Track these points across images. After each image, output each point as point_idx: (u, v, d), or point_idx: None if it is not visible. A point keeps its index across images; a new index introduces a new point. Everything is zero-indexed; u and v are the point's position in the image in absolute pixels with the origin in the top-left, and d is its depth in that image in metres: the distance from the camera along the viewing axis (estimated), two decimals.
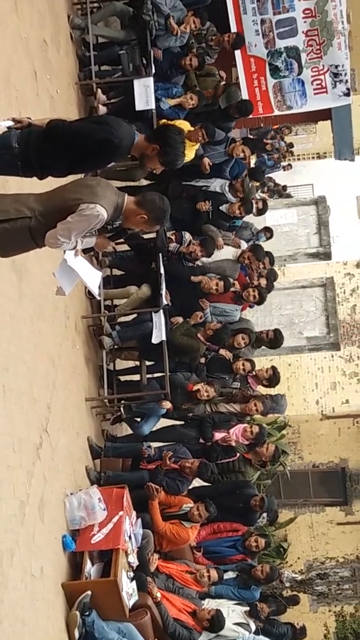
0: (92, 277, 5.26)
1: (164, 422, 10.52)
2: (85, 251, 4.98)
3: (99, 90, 10.73)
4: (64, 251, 4.86)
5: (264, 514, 10.45)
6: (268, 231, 13.94)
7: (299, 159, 29.32)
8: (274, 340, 11.23)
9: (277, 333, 11.26)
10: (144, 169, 6.66)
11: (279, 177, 24.72)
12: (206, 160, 10.97)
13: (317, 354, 22.58)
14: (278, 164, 22.26)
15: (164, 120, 9.60)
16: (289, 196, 25.03)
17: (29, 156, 5.12)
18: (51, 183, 5.31)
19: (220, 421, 10.17)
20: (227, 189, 11.18)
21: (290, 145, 23.14)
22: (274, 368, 10.98)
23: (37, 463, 7.14)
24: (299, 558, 22.43)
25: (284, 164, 23.69)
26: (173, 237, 10.74)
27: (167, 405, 9.86)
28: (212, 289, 10.40)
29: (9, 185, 6.33)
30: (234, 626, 9.20)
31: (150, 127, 9.80)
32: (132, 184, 10.91)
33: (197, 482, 10.30)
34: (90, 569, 7.83)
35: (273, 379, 10.77)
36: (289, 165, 25.05)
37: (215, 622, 8.77)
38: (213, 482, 10.19)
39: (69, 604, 7.47)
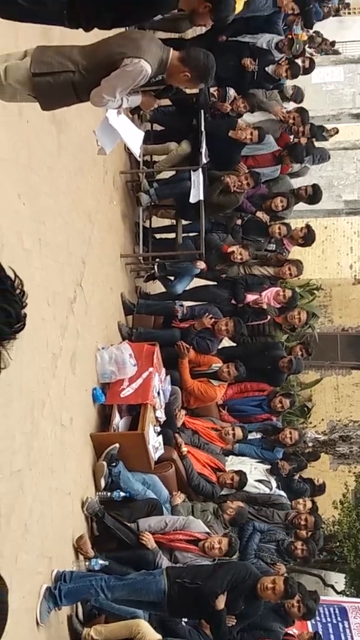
0: (134, 137, 5.17)
1: (197, 282, 10.54)
2: (132, 111, 4.85)
3: None
4: (106, 109, 4.75)
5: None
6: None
7: (349, 13, 28.14)
8: (312, 196, 11.06)
9: (316, 188, 11.06)
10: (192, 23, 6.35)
11: (328, 32, 23.79)
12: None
13: (354, 217, 22.26)
14: (328, 16, 21.30)
15: None
16: (336, 52, 24.11)
17: (76, 5, 4.94)
18: (97, 34, 5.14)
19: (253, 283, 10.16)
20: (273, 45, 10.80)
21: None
22: (308, 226, 10.84)
23: (70, 317, 7.23)
24: (322, 419, 22.79)
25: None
26: (216, 94, 10.47)
27: (201, 265, 9.85)
28: (246, 138, 10.10)
29: (52, 34, 6.15)
30: (256, 482, 9.46)
31: None
32: (177, 35, 10.58)
33: (226, 342, 10.40)
34: (119, 421, 8.03)
35: (308, 236, 10.68)
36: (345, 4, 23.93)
37: (238, 481, 9.03)
38: (242, 343, 10.29)
39: (97, 455, 7.72)
